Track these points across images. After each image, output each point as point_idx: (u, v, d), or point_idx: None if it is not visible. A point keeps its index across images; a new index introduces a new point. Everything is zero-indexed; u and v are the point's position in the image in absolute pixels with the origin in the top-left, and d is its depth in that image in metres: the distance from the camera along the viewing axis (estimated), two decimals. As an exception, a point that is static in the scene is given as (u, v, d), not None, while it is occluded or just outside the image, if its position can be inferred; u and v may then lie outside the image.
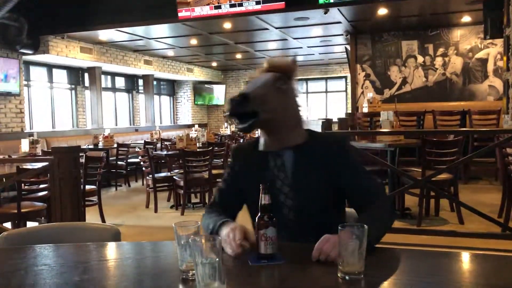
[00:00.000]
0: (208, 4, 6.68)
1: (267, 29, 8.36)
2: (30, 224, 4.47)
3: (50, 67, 9.83)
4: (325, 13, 6.82)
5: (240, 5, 6.54)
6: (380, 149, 5.24)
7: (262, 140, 1.65)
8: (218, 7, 6.64)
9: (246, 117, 1.50)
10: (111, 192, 7.89)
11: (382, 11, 7.19)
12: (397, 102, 7.42)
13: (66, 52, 8.72)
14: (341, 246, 1.22)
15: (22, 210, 4.04)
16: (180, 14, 6.84)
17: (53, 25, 7.89)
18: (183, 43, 9.96)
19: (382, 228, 1.53)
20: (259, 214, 1.36)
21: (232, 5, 6.58)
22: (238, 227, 1.45)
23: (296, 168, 1.58)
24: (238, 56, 12.15)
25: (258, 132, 1.65)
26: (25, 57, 8.34)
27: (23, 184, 4.32)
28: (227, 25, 7.99)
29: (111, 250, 1.65)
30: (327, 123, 4.53)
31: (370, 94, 8.40)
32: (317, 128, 4.46)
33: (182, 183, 5.91)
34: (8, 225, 4.23)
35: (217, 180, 6.44)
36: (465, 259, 1.45)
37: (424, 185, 4.45)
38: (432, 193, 4.75)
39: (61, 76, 10.24)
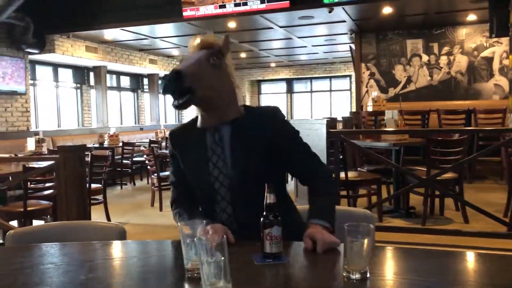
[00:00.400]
0: (212, 3, 6.68)
1: (271, 28, 8.36)
2: (36, 223, 4.50)
3: (55, 66, 9.87)
4: (330, 12, 6.81)
5: (245, 4, 6.54)
6: (385, 148, 5.23)
7: (199, 117, 1.67)
8: (223, 6, 6.65)
9: (181, 94, 1.52)
10: (117, 190, 7.92)
11: (387, 10, 7.17)
12: (401, 101, 7.40)
13: (72, 51, 8.75)
14: (346, 245, 1.22)
15: (28, 209, 4.07)
16: (185, 14, 6.85)
17: (59, 25, 7.92)
18: (188, 42, 9.94)
19: (335, 202, 1.64)
20: (264, 213, 1.37)
21: (236, 4, 6.58)
22: (217, 229, 1.48)
23: (234, 141, 1.58)
24: (242, 55, 12.15)
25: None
26: (31, 57, 8.38)
27: (29, 183, 4.35)
28: (232, 24, 7.99)
29: (117, 249, 1.66)
30: (331, 121, 4.54)
31: (374, 93, 8.38)
32: (322, 127, 4.46)
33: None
34: (14, 223, 4.26)
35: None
36: (470, 259, 1.45)
37: (429, 184, 4.44)
38: (437, 192, 4.73)
39: (66, 75, 10.28)
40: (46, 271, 1.38)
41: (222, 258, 1.11)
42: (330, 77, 14.81)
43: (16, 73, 7.78)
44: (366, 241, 1.21)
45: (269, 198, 1.38)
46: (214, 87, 1.57)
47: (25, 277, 1.34)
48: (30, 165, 4.41)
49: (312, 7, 6.71)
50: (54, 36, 8.24)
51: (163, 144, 9.13)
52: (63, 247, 1.65)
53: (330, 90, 15.08)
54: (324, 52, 11.93)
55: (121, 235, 1.80)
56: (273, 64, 14.25)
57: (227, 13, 6.71)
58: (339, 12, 7.08)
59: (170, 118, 14.34)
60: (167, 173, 6.55)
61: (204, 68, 1.55)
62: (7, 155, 5.50)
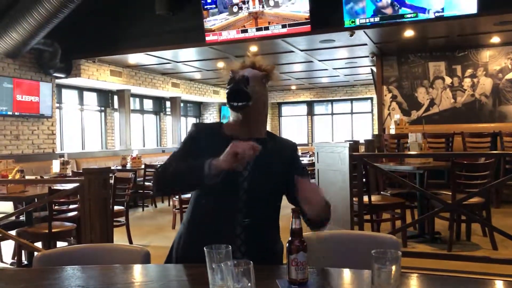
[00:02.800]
0: (235, 29, 6.80)
1: (292, 51, 8.43)
2: (60, 244, 4.55)
3: (81, 90, 10.13)
4: (351, 35, 6.85)
5: (266, 28, 6.63)
6: (409, 171, 5.16)
7: (229, 125, 1.81)
8: (245, 31, 6.75)
9: (242, 98, 1.70)
10: (138, 212, 7.98)
11: (409, 33, 7.17)
12: (425, 124, 7.32)
13: (97, 75, 8.98)
14: (373, 272, 1.20)
15: (53, 230, 4.12)
16: (207, 38, 6.98)
17: (85, 50, 8.16)
18: (210, 66, 10.12)
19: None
20: (289, 238, 1.36)
21: (258, 29, 6.68)
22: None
23: (258, 157, 1.62)
24: (264, 78, 12.24)
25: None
26: (57, 81, 8.62)
27: (53, 205, 4.41)
28: (253, 48, 8.09)
29: (140, 273, 1.66)
30: (354, 144, 4.51)
31: (397, 115, 8.31)
32: (345, 150, 4.43)
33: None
34: (39, 244, 4.32)
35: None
36: (499, 287, 1.40)
37: (455, 209, 4.34)
38: (463, 217, 4.62)
39: (91, 98, 10.53)
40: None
41: (249, 284, 1.10)
42: (351, 100, 14.79)
43: (43, 97, 8.00)
44: (394, 268, 1.19)
45: (295, 224, 1.37)
46: (259, 104, 1.75)
47: (52, 300, 1.35)
48: (55, 187, 4.49)
49: (333, 31, 6.76)
50: (80, 61, 8.48)
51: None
52: (89, 270, 1.66)
53: (352, 113, 15.03)
54: (345, 75, 11.94)
55: (146, 258, 1.80)
56: (293, 87, 14.32)
57: (249, 37, 6.81)
58: (360, 36, 7.10)
59: (191, 140, 14.46)
60: (188, 195, 6.58)
61: (260, 84, 1.76)
62: (33, 177, 5.62)
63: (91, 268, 1.67)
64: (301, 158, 10.28)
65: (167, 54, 8.58)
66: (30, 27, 6.59)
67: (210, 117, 14.96)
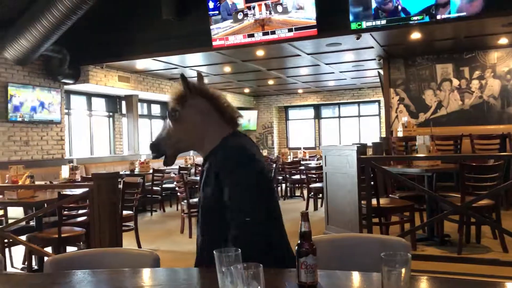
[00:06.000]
0: (241, 33, 6.83)
1: (299, 55, 8.44)
2: (69, 249, 4.58)
3: (89, 95, 10.20)
4: (358, 38, 6.84)
5: (273, 33, 6.65)
6: (417, 174, 5.13)
7: None
8: (251, 35, 6.78)
9: (160, 157, 1.89)
10: (147, 217, 8.00)
11: (415, 35, 7.16)
12: (432, 126, 7.28)
13: (105, 81, 9.05)
14: (383, 275, 1.20)
15: (63, 235, 4.15)
16: (214, 43, 7.01)
17: (93, 56, 8.23)
18: (217, 70, 10.16)
19: None
20: (298, 242, 1.36)
21: (265, 33, 6.70)
22: None
23: (204, 174, 1.79)
24: (270, 82, 12.28)
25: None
26: (66, 87, 8.69)
27: (63, 210, 4.44)
28: (260, 53, 8.12)
29: (150, 277, 1.67)
30: (362, 147, 4.50)
31: (405, 118, 8.28)
32: (353, 153, 4.42)
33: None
34: (49, 249, 4.35)
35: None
36: (513, 290, 1.39)
37: (464, 212, 4.31)
38: (472, 220, 4.59)
39: (99, 104, 10.60)
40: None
41: (259, 287, 1.11)
42: (359, 103, 14.76)
43: (52, 103, 8.07)
44: (404, 270, 1.19)
45: (304, 227, 1.38)
46: (182, 139, 1.86)
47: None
48: (65, 192, 4.52)
49: (340, 34, 6.76)
50: (88, 67, 8.55)
51: (192, 170, 9.21)
52: (100, 274, 1.68)
53: (359, 116, 15.00)
54: (352, 78, 11.93)
55: (155, 262, 1.81)
56: (300, 90, 14.33)
57: (255, 42, 6.83)
58: (367, 39, 7.10)
59: (198, 145, 14.50)
60: (196, 199, 6.59)
61: (170, 129, 1.86)
62: (42, 182, 5.66)
63: (101, 272, 1.69)
64: (309, 162, 10.18)
65: (174, 59, 8.62)
66: (39, 34, 6.66)
67: (217, 121, 14.98)
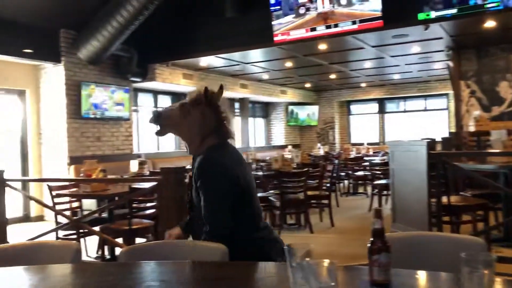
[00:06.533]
0: (303, 27, 6.76)
1: (362, 48, 8.23)
2: (138, 240, 4.77)
3: (155, 93, 10.57)
4: (426, 29, 6.55)
5: (336, 26, 6.52)
6: (491, 171, 4.83)
7: None
8: (314, 29, 6.69)
9: (158, 127, 2.18)
10: (210, 211, 8.16)
11: (490, 24, 6.73)
12: (508, 120, 6.82)
13: (171, 79, 9.33)
14: (463, 276, 1.13)
15: (133, 227, 4.33)
16: (275, 38, 7.00)
17: (159, 54, 8.51)
18: (278, 66, 10.16)
19: None
20: (371, 239, 1.32)
21: (327, 27, 6.58)
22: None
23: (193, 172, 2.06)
24: (332, 76, 12.09)
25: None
26: (134, 85, 9.06)
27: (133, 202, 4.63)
28: (322, 46, 8.01)
29: (218, 269, 1.69)
30: (432, 143, 4.30)
31: (476, 112, 7.84)
32: (422, 149, 4.24)
33: (278, 204, 5.95)
34: (119, 240, 4.56)
35: (312, 201, 6.40)
36: None
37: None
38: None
39: (165, 101, 10.95)
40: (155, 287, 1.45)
41: (332, 283, 1.08)
42: (425, 96, 14.17)
43: (121, 101, 8.45)
44: (487, 272, 1.11)
45: (377, 224, 1.33)
46: (178, 128, 2.14)
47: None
48: (134, 186, 4.72)
49: (407, 25, 6.51)
50: (155, 65, 8.85)
51: (253, 166, 9.27)
52: (172, 265, 1.72)
53: (425, 110, 14.41)
54: (418, 71, 11.46)
55: (223, 255, 1.83)
56: (363, 84, 13.98)
57: (318, 35, 6.73)
58: (436, 29, 6.77)
59: (259, 140, 14.61)
60: (259, 194, 6.60)
61: (175, 113, 2.11)
62: (113, 177, 5.94)
63: (174, 263, 1.73)
64: (373, 157, 9.92)
65: (236, 55, 8.72)
66: (109, 34, 6.98)
67: (278, 117, 15.00)
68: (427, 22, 6.24)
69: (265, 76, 11.62)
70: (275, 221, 6.27)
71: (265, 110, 15.03)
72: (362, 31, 6.48)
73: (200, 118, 2.07)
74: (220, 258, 1.81)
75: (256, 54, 8.84)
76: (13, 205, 6.84)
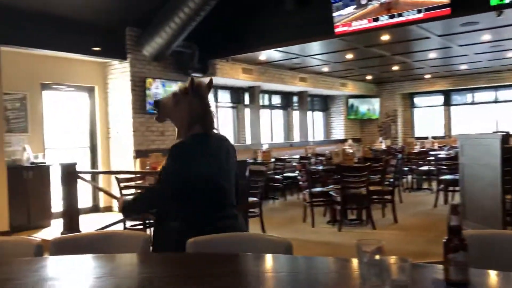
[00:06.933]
0: (365, 18, 6.57)
1: (427, 37, 7.89)
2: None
3: (215, 88, 10.74)
4: (498, 15, 6.15)
5: (400, 15, 6.27)
6: None
7: None
8: (376, 19, 6.48)
9: (156, 113, 2.43)
10: (269, 204, 8.21)
11: None
12: None
13: (231, 73, 9.44)
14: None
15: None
16: (336, 30, 6.85)
17: (220, 50, 8.62)
18: (338, 58, 9.97)
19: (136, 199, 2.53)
20: (447, 236, 1.25)
21: (391, 16, 6.35)
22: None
23: None
24: (395, 67, 11.70)
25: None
26: (195, 80, 9.24)
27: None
28: (385, 37, 7.76)
29: (284, 263, 1.69)
30: (506, 136, 4.03)
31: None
32: (495, 143, 3.99)
33: (339, 199, 5.86)
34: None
35: (374, 196, 6.24)
36: None
37: None
38: None
39: (224, 96, 11.12)
40: (223, 279, 1.46)
41: (408, 281, 1.04)
42: (496, 87, 13.35)
43: (183, 96, 8.65)
44: None
45: (453, 220, 1.26)
46: (170, 115, 2.34)
47: (211, 283, 1.43)
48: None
49: (477, 11, 6.14)
50: (215, 61, 8.99)
51: (312, 160, 9.20)
52: (239, 257, 1.74)
53: (496, 101, 13.59)
54: (489, 60, 10.81)
55: (288, 249, 1.82)
56: (427, 76, 13.40)
57: (381, 25, 6.52)
58: (510, 15, 6.34)
59: (318, 134, 14.45)
60: (318, 189, 6.56)
61: (169, 102, 2.32)
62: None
63: (242, 256, 1.75)
64: (439, 152, 9.52)
65: (295, 48, 8.66)
66: (172, 31, 7.17)
67: (337, 110, 14.76)
68: (500, 8, 5.85)
69: (325, 69, 11.46)
70: (335, 216, 6.18)
71: (324, 103, 14.83)
72: (427, 19, 6.19)
73: (187, 107, 2.25)
74: (284, 252, 1.80)
75: (315, 47, 8.73)
76: (84, 196, 7.24)
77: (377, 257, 1.14)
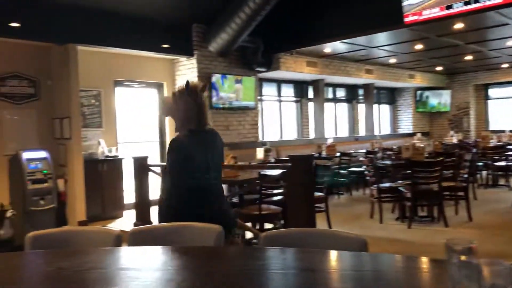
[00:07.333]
0: (438, 6, 6.25)
1: (507, 24, 7.36)
2: (266, 226, 4.90)
3: (279, 82, 10.73)
4: None
5: (476, 1, 5.89)
6: None
7: None
8: (450, 7, 6.13)
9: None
10: (334, 199, 8.09)
11: None
12: None
13: (295, 67, 9.38)
14: None
15: (262, 212, 4.45)
16: (406, 19, 6.57)
17: (284, 44, 8.58)
18: (406, 49, 9.59)
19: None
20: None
21: (466, 3, 5.98)
22: None
23: None
24: (468, 57, 11.05)
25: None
26: (259, 75, 9.29)
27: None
28: (458, 25, 7.34)
29: (358, 260, 1.64)
30: None
31: None
32: None
33: (409, 195, 5.65)
34: (248, 224, 4.72)
35: (446, 193, 5.94)
36: None
37: None
38: None
39: (288, 90, 11.07)
40: (274, 275, 1.44)
41: (507, 286, 0.96)
42: None
43: (247, 91, 8.73)
44: None
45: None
46: (170, 113, 2.76)
47: (259, 278, 1.41)
48: (262, 172, 4.84)
49: None
50: (279, 55, 8.96)
51: (379, 154, 8.93)
52: (311, 253, 1.71)
53: None
54: None
55: (363, 247, 1.77)
56: (505, 65, 12.53)
57: (454, 13, 6.16)
58: None
59: (384, 129, 14.02)
60: (386, 184, 6.36)
61: (170, 100, 2.72)
62: (242, 163, 6.17)
63: (313, 252, 1.72)
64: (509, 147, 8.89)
65: (361, 40, 8.42)
66: (237, 27, 7.23)
67: (405, 103, 14.23)
68: None
69: (392, 60, 11.07)
70: (405, 212, 5.97)
71: (391, 96, 14.35)
72: (508, 4, 5.77)
73: (184, 106, 2.61)
74: (359, 249, 1.74)
75: (382, 37, 8.44)
76: (154, 189, 7.51)
77: (471, 258, 1.07)
